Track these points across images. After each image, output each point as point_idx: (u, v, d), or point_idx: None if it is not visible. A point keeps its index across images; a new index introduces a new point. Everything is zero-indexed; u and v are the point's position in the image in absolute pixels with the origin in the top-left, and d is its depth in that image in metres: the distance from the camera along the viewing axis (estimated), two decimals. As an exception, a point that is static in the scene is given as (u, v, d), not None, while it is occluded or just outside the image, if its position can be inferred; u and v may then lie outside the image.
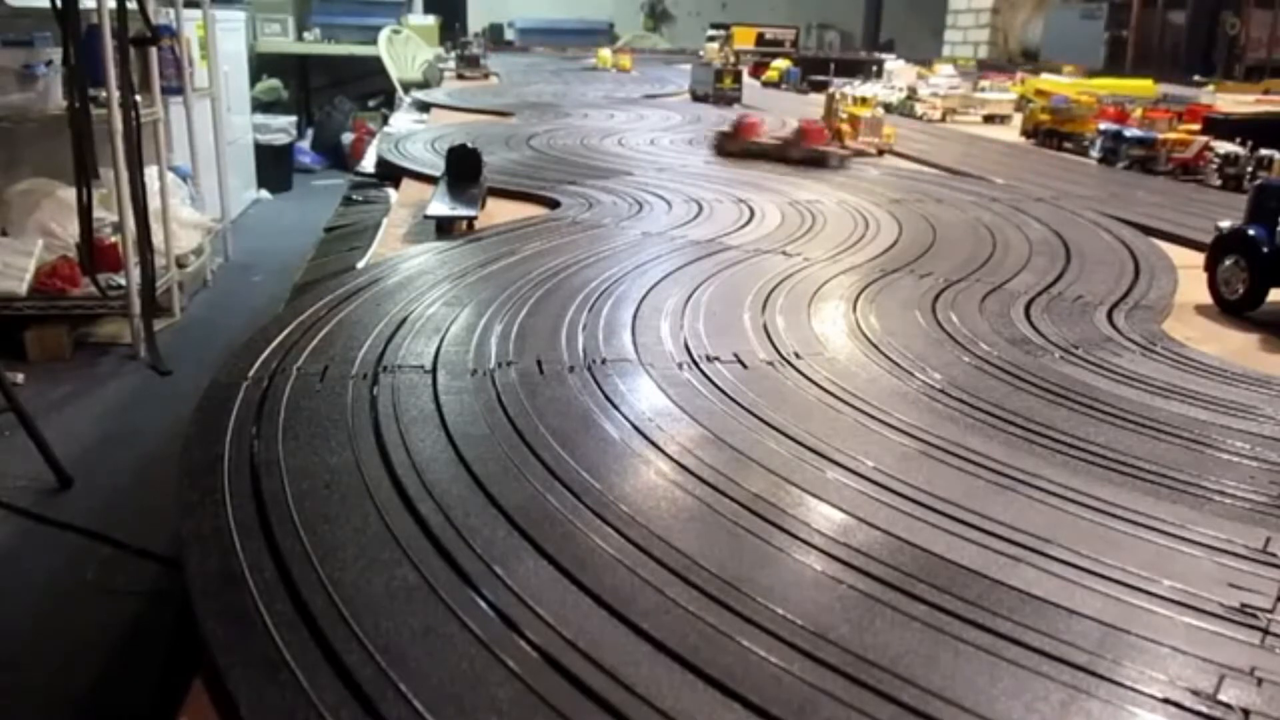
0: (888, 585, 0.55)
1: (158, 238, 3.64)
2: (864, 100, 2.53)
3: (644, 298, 1.11)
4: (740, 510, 0.63)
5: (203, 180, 4.70)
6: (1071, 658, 0.50)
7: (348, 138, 7.56)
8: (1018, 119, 3.09)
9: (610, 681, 0.46)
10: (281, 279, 2.50)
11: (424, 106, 3.37)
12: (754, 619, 0.52)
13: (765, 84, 4.73)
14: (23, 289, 3.32)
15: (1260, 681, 0.49)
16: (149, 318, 3.42)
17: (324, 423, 0.75)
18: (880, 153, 2.42)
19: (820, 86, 3.55)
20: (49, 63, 3.48)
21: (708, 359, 0.92)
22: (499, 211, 1.63)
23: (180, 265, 3.99)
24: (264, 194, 6.49)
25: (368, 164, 2.24)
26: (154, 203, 3.53)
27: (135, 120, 3.21)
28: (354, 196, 1.93)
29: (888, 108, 3.11)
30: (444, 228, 1.45)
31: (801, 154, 2.16)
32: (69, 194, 3.30)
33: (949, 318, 1.09)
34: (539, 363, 0.89)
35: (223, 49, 5.34)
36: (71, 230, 3.35)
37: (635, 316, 1.04)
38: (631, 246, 1.37)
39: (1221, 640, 0.52)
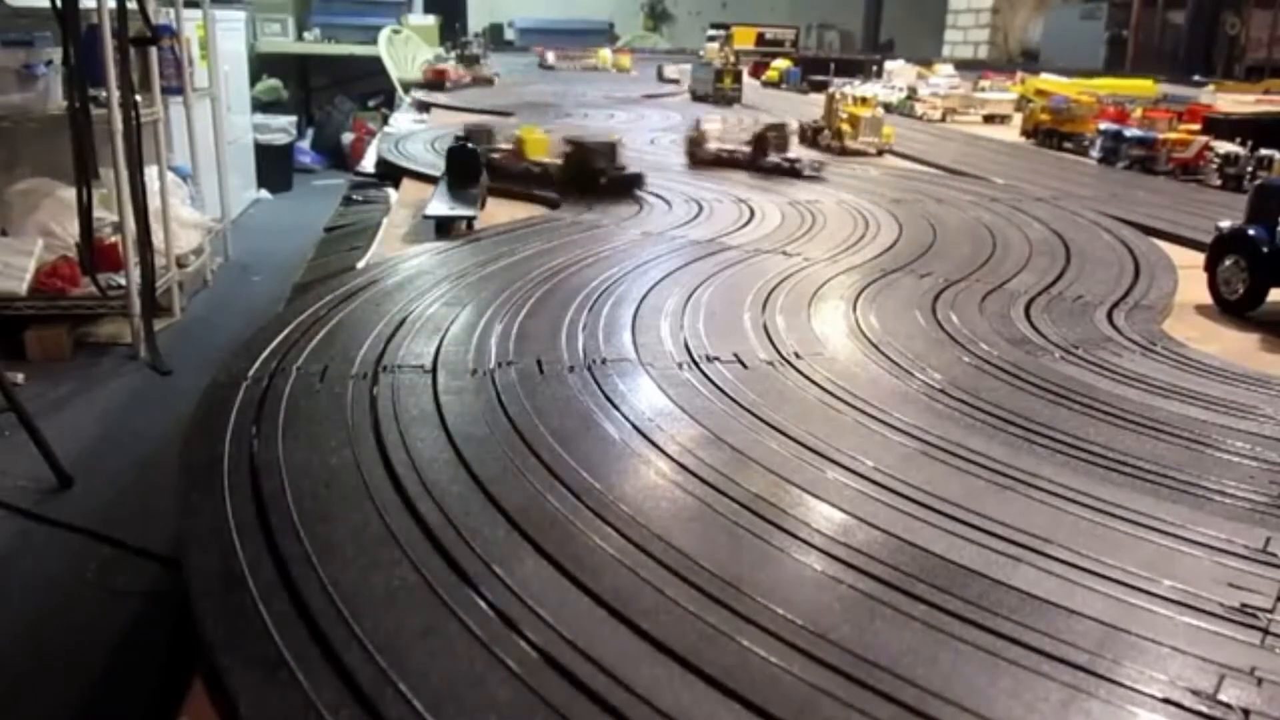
0: (888, 585, 0.55)
1: (158, 238, 3.64)
2: (864, 100, 2.53)
3: (644, 298, 1.11)
4: (740, 510, 0.63)
5: (203, 180, 4.70)
6: (1071, 658, 0.50)
7: (348, 138, 7.56)
8: (1018, 119, 3.09)
9: (610, 681, 0.46)
10: (281, 279, 2.50)
11: (424, 106, 3.37)
12: (754, 619, 0.51)
13: (765, 84, 4.74)
14: (23, 289, 3.32)
15: (1260, 681, 0.49)
16: (149, 318, 3.42)
17: (324, 422, 0.75)
18: (880, 153, 2.42)
19: (820, 86, 3.55)
20: (49, 63, 3.48)
21: (708, 359, 0.92)
22: (499, 211, 1.63)
23: (180, 265, 3.99)
24: (264, 194, 6.49)
25: (368, 164, 2.24)
26: (154, 203, 3.53)
27: (135, 120, 3.22)
28: (354, 196, 1.93)
29: (888, 108, 3.11)
30: (444, 228, 1.45)
31: (771, 164, 2.04)
32: (69, 194, 3.30)
33: (949, 318, 1.09)
34: (539, 363, 0.89)
35: (223, 49, 5.34)
36: (71, 230, 3.35)
37: (635, 316, 1.04)
38: (631, 246, 1.37)
39: (1221, 640, 0.52)
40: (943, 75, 4.19)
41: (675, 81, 4.51)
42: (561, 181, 1.74)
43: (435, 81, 3.91)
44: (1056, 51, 7.58)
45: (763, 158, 2.07)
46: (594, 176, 1.72)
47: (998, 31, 8.56)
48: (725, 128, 2.22)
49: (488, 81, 4.25)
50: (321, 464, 0.68)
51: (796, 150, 2.16)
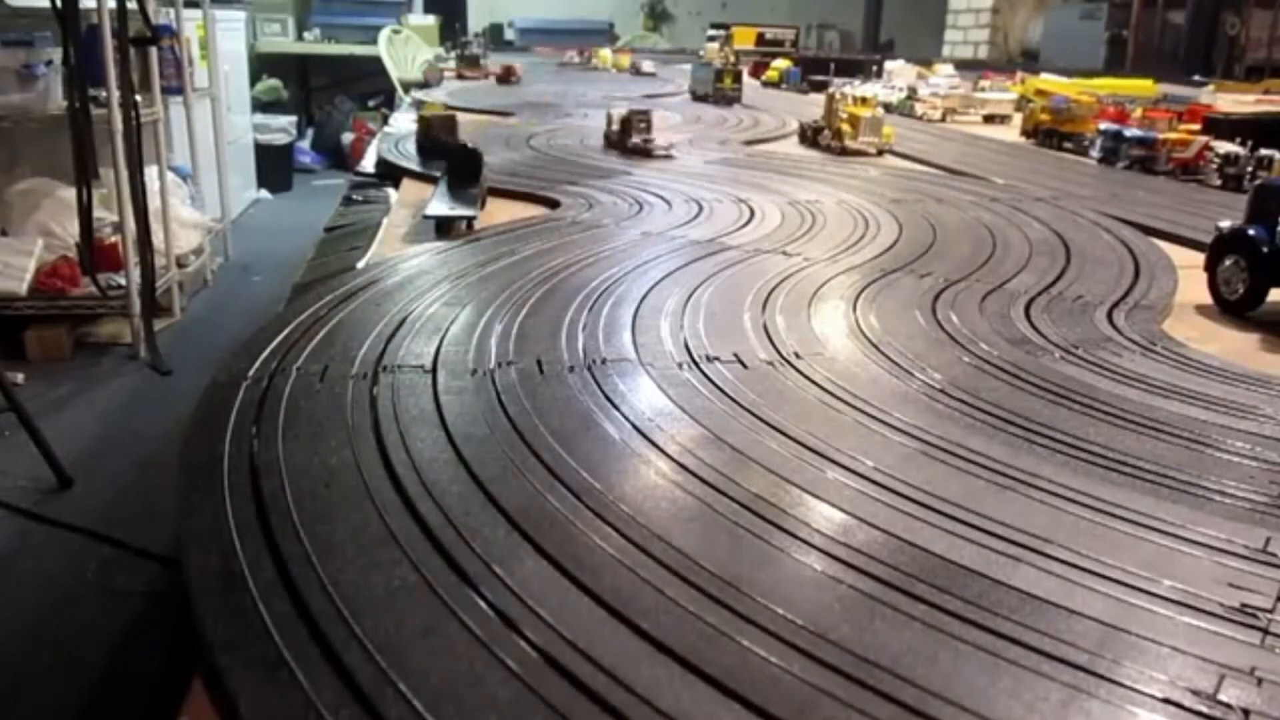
0: (888, 585, 0.55)
1: (158, 238, 3.64)
2: (864, 100, 2.53)
3: (644, 298, 1.11)
4: (740, 510, 0.63)
5: (203, 180, 4.70)
6: (1071, 658, 0.50)
7: (348, 138, 7.56)
8: (1018, 119, 3.09)
9: (610, 681, 0.46)
10: (281, 279, 2.50)
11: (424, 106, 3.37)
12: (754, 619, 0.51)
13: (765, 84, 4.74)
14: (23, 289, 3.32)
15: (1260, 681, 0.49)
16: (149, 318, 3.42)
17: (324, 422, 0.75)
18: (880, 153, 2.42)
19: (820, 86, 3.55)
20: (49, 63, 3.48)
21: (708, 359, 0.92)
22: (499, 211, 1.63)
23: (180, 265, 3.99)
24: (264, 194, 6.49)
25: (368, 164, 2.24)
26: (154, 203, 3.53)
27: (135, 120, 3.22)
28: (354, 196, 1.93)
29: (888, 108, 3.11)
30: (444, 228, 1.45)
31: (634, 145, 2.27)
32: (69, 194, 3.30)
33: (949, 318, 1.09)
34: (539, 363, 0.89)
35: (223, 49, 5.34)
36: (71, 230, 3.35)
37: (635, 316, 1.04)
38: (631, 246, 1.37)
39: (1221, 640, 0.52)
40: (943, 75, 4.19)
41: (652, 75, 4.95)
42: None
43: (503, 77, 4.43)
44: (1056, 51, 7.58)
45: (628, 139, 2.27)
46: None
47: (998, 31, 8.57)
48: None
49: (516, 81, 4.56)
50: (321, 464, 0.68)
51: (665, 136, 2.37)
